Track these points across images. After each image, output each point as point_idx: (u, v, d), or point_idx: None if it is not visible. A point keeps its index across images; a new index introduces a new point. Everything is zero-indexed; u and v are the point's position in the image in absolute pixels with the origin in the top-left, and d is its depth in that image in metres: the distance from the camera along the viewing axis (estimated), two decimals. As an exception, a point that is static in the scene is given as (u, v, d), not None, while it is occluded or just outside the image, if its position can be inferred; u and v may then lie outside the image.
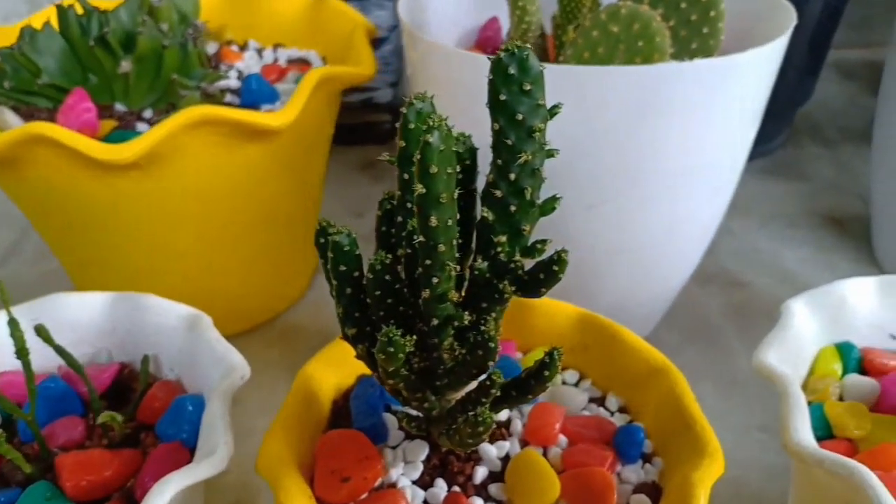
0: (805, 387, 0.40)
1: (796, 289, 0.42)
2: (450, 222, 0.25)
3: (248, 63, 0.57)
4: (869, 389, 0.39)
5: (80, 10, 0.48)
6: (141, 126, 0.47)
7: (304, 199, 0.56)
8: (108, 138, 0.45)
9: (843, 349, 0.41)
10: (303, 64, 0.57)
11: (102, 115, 0.48)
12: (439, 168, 0.24)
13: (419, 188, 0.24)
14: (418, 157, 0.23)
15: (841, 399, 0.39)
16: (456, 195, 0.26)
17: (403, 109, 0.26)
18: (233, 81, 0.52)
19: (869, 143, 0.68)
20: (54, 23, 0.47)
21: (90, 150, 0.41)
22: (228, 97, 0.51)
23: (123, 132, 0.45)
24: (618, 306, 0.51)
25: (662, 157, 0.42)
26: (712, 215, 0.50)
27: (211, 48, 0.58)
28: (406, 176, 0.27)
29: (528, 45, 0.26)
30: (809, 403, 0.39)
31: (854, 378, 0.40)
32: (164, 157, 0.43)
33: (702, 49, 0.44)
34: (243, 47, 0.60)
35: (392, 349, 0.26)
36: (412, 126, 0.26)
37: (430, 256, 0.26)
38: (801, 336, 0.41)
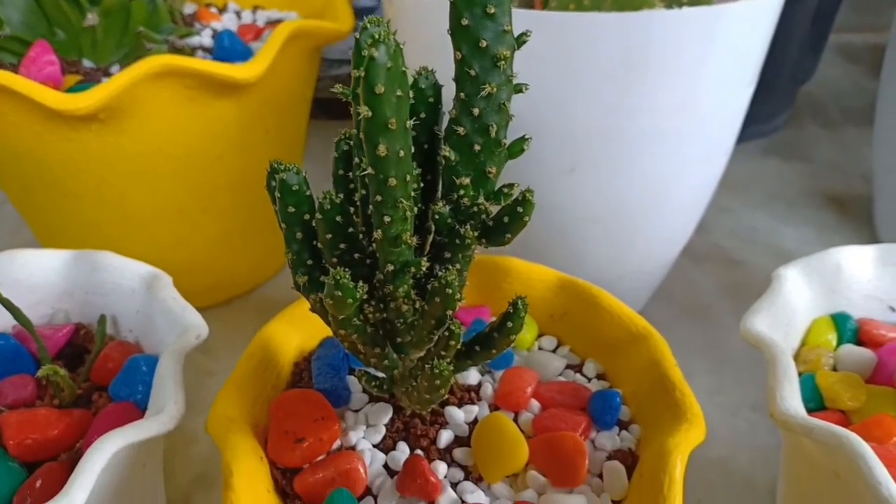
0: (797, 358, 0.38)
1: (794, 268, 0.40)
2: (401, 153, 0.23)
3: (226, 24, 0.55)
4: (864, 360, 0.37)
5: (46, -39, 0.46)
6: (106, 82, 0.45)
7: (281, 164, 0.53)
8: (70, 91, 0.43)
9: (839, 320, 0.39)
10: (281, 24, 0.55)
11: (69, 70, 0.46)
12: (387, 88, 0.21)
13: (364, 111, 0.22)
14: (362, 74, 0.21)
15: (834, 370, 0.37)
16: (410, 125, 0.23)
17: (357, 35, 0.24)
18: (206, 39, 0.50)
19: (872, 125, 0.65)
20: (18, -27, 0.45)
21: (45, 98, 0.39)
22: (200, 55, 0.48)
23: (86, 85, 0.43)
24: (604, 279, 0.49)
25: (647, 116, 0.40)
26: (703, 184, 0.48)
27: (189, 9, 0.56)
28: (360, 109, 0.25)
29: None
30: (800, 374, 0.36)
31: (849, 348, 0.38)
32: (126, 109, 0.41)
33: (695, 2, 0.42)
34: (222, 9, 0.58)
35: (340, 293, 0.24)
36: (367, 51, 0.24)
37: (381, 191, 0.24)
38: (794, 305, 0.38)
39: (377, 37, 0.21)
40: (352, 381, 0.34)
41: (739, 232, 0.66)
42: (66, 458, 0.33)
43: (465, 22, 0.25)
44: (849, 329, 0.39)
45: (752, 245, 0.64)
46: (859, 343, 0.39)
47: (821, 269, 0.40)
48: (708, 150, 0.45)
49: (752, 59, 0.43)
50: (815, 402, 0.35)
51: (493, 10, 0.25)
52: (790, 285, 0.38)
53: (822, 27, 0.75)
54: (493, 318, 0.39)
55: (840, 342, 0.39)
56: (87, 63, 0.47)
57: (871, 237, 0.65)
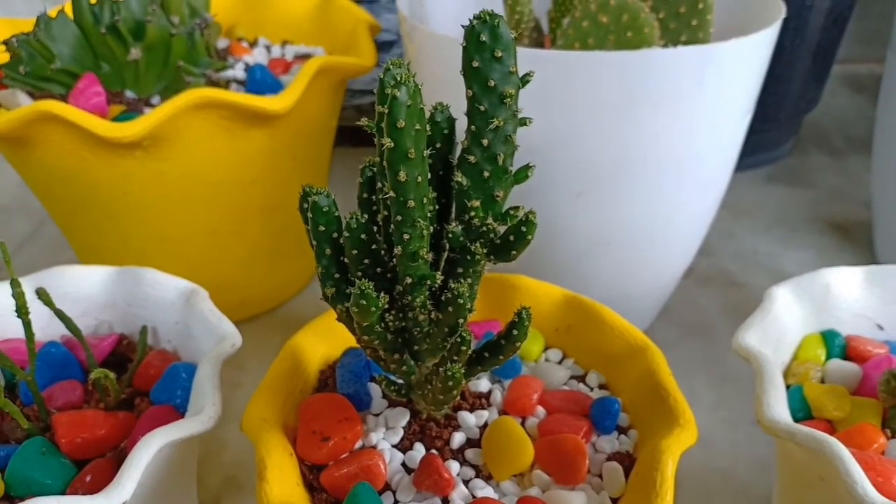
0: (787, 372, 0.41)
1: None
2: (419, 179, 0.26)
3: (257, 58, 0.59)
4: (851, 374, 0.39)
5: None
6: (148, 112, 0.49)
7: (307, 189, 0.57)
8: (115, 120, 0.47)
9: (828, 336, 0.42)
10: (308, 59, 0.59)
11: (113, 101, 0.50)
12: (407, 123, 0.25)
13: (387, 142, 0.25)
14: (386, 111, 0.24)
15: (823, 383, 0.40)
16: (427, 154, 0.27)
17: (381, 75, 0.28)
18: (239, 73, 0.54)
19: (874, 153, 0.68)
20: (69, 11, 0.50)
21: (94, 126, 0.42)
22: (234, 87, 0.52)
23: (130, 115, 0.47)
24: (610, 299, 0.51)
25: (648, 146, 0.43)
26: (702, 211, 0.51)
27: (222, 44, 0.60)
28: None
29: (502, 15, 0.27)
30: (790, 387, 0.39)
31: (837, 363, 0.40)
32: (168, 138, 0.45)
33: (691, 41, 0.45)
34: (253, 44, 0.62)
35: (364, 302, 0.27)
36: (390, 91, 0.27)
37: (401, 212, 0.27)
38: (784, 322, 0.41)
39: (399, 78, 0.25)
40: (372, 387, 0.37)
41: (743, 256, 0.69)
42: (112, 456, 0.36)
43: (475, 64, 0.28)
44: (837, 345, 0.41)
45: (755, 268, 0.67)
46: (847, 359, 0.41)
47: (811, 289, 0.42)
48: (706, 178, 0.48)
49: (746, 93, 0.46)
50: (804, 412, 0.38)
51: (500, 54, 0.28)
52: (780, 303, 0.41)
53: (825, 58, 0.78)
54: (503, 332, 0.42)
55: (829, 357, 0.41)
56: (129, 94, 0.51)
57: (872, 262, 0.67)
